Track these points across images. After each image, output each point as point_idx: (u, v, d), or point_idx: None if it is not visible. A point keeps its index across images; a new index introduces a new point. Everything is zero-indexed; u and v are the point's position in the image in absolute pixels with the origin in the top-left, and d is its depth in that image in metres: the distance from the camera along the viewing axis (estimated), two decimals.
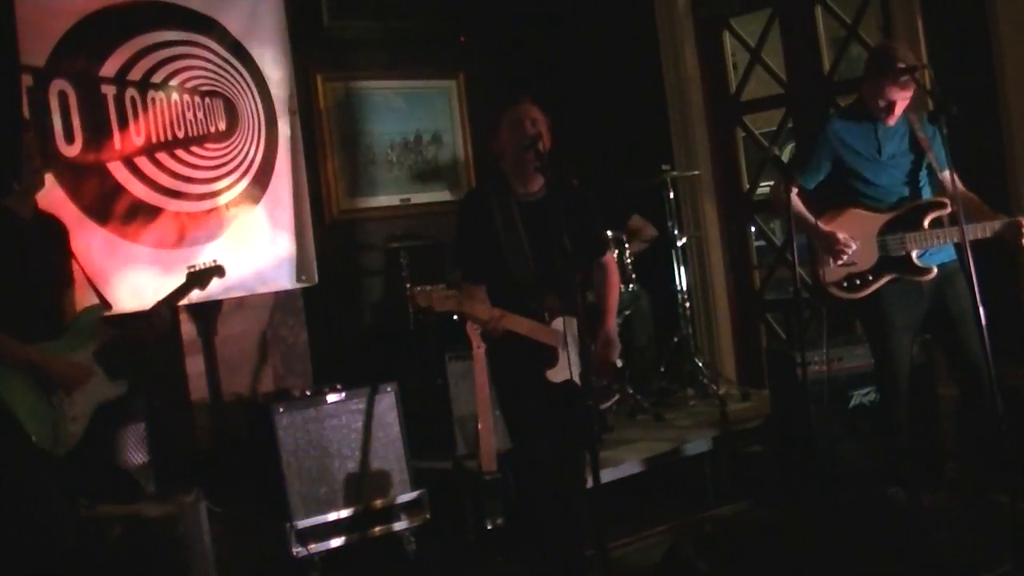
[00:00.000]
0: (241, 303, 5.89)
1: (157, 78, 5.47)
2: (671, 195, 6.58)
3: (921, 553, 3.85)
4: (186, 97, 5.59)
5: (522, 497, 4.81)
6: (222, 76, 5.75)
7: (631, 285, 6.22)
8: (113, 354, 4.11)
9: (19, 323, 3.87)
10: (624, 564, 4.84)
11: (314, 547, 5.00)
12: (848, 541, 3.79)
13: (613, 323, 4.44)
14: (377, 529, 5.24)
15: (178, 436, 5.54)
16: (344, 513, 5.15)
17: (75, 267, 4.24)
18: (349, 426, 5.25)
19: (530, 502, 4.38)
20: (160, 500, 4.53)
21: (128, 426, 4.84)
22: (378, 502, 5.25)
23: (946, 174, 4.49)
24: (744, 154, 7.15)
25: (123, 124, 5.32)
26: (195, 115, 5.63)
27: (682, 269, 6.66)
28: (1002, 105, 5.58)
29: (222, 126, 5.73)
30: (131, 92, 5.37)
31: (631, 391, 6.25)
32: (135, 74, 5.39)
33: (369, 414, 5.31)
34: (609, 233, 5.92)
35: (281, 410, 5.10)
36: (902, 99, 4.55)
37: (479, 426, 4.91)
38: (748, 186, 7.09)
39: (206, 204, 5.64)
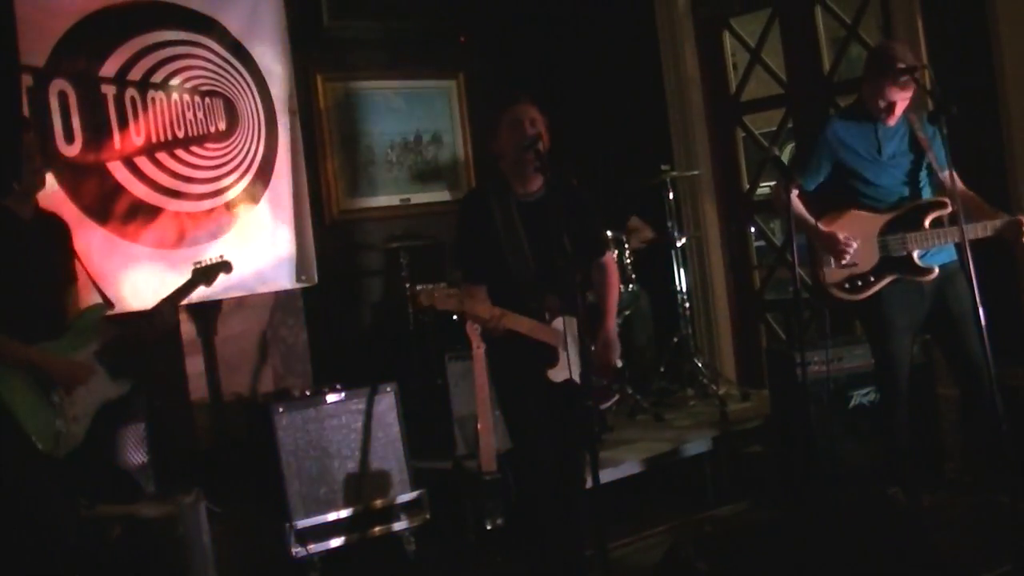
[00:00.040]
0: (241, 303, 5.89)
1: (157, 78, 5.48)
2: (671, 195, 6.58)
3: (921, 553, 3.84)
4: (186, 97, 5.59)
5: (522, 497, 4.81)
6: (222, 76, 5.75)
7: (631, 285, 6.22)
8: (115, 353, 4.10)
9: (19, 323, 3.86)
10: (624, 564, 4.83)
11: (314, 547, 5.00)
12: (848, 541, 3.78)
13: (613, 324, 4.44)
14: (377, 529, 5.24)
15: (178, 436, 5.54)
16: (344, 513, 5.15)
17: (78, 266, 4.24)
18: (349, 426, 5.25)
19: (530, 502, 4.38)
20: (160, 500, 4.53)
21: (128, 426, 4.84)
22: (378, 502, 5.25)
23: (946, 174, 4.48)
24: (744, 154, 7.15)
25: (123, 124, 5.33)
26: (195, 115, 5.63)
27: (682, 269, 6.66)
28: (1002, 105, 5.58)
29: (222, 126, 5.73)
30: (131, 92, 5.38)
31: (631, 391, 6.25)
32: (135, 74, 5.39)
33: (369, 414, 5.31)
34: (609, 233, 5.93)
35: (281, 410, 5.10)
36: (902, 99, 4.55)
37: (479, 426, 4.91)
38: (748, 186, 7.09)
39: (206, 204, 5.64)
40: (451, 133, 7.16)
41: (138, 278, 5.26)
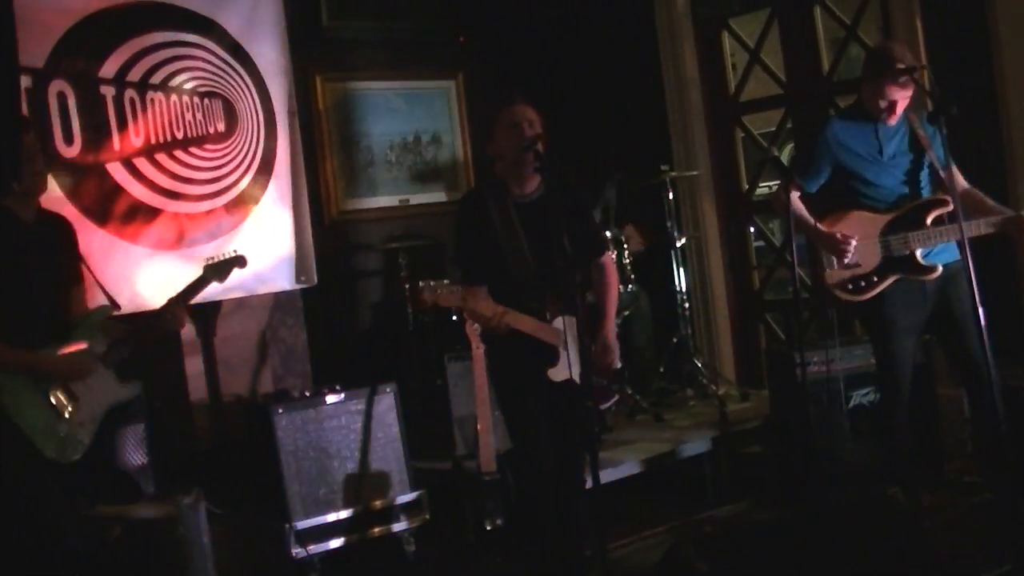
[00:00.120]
0: (240, 304, 5.89)
1: (156, 79, 5.47)
2: (670, 195, 6.58)
3: (921, 553, 3.85)
4: (185, 98, 5.59)
5: (521, 497, 4.81)
6: (221, 77, 5.75)
7: (630, 285, 6.22)
8: (122, 354, 4.06)
9: (22, 328, 3.81)
10: (624, 564, 4.83)
11: (313, 548, 5.00)
12: (848, 541, 3.79)
13: (612, 327, 4.43)
14: (376, 530, 5.24)
15: (177, 437, 5.54)
16: (343, 514, 5.14)
17: (84, 267, 4.20)
18: (348, 427, 5.25)
19: (530, 502, 4.38)
20: (159, 501, 4.52)
21: (128, 427, 4.83)
22: (377, 503, 5.25)
23: (949, 171, 4.48)
24: (743, 154, 7.15)
25: (122, 125, 5.32)
26: (194, 116, 5.62)
27: (681, 270, 6.66)
28: (1002, 105, 5.58)
29: (221, 127, 5.73)
30: (130, 93, 5.37)
31: (630, 391, 6.25)
32: (134, 75, 5.39)
33: (368, 415, 5.31)
34: (608, 234, 5.93)
35: (280, 411, 5.10)
36: (903, 99, 4.54)
37: (478, 426, 4.91)
38: (747, 186, 7.09)
39: (205, 205, 5.64)
40: (450, 133, 7.16)
41: (137, 279, 5.26)
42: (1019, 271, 5.59)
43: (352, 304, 6.71)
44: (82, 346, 3.95)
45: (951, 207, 4.51)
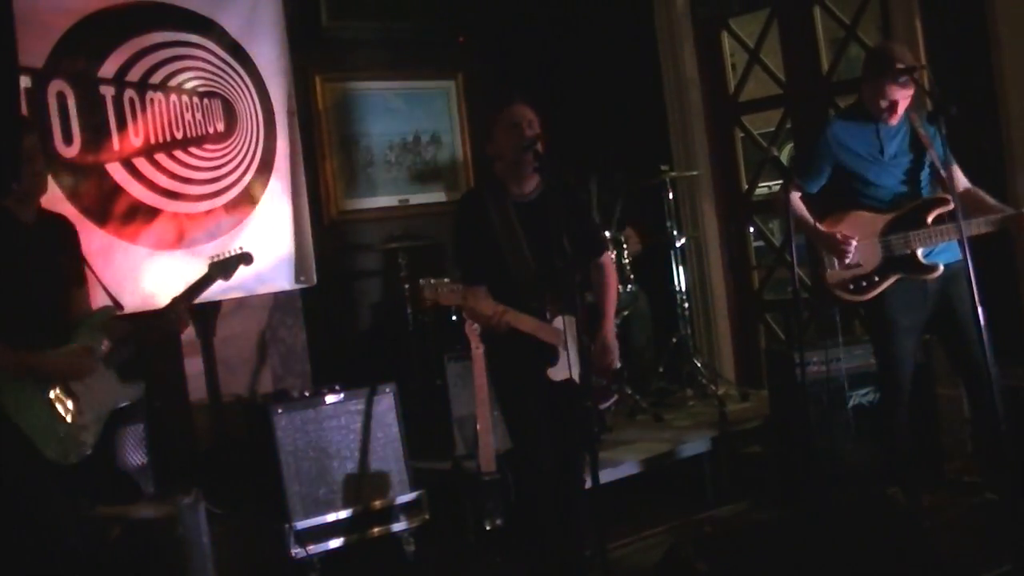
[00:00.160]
0: (240, 304, 5.89)
1: (156, 79, 5.47)
2: (670, 195, 6.58)
3: (921, 553, 3.84)
4: (184, 98, 5.58)
5: (521, 497, 4.81)
6: (221, 77, 5.75)
7: (630, 285, 6.22)
8: (125, 354, 4.04)
9: (24, 330, 3.78)
10: (623, 564, 4.83)
11: (313, 548, 4.99)
12: (848, 541, 3.79)
13: (611, 327, 4.42)
14: (376, 530, 5.24)
15: (177, 437, 5.54)
16: (343, 514, 5.14)
17: (87, 268, 4.18)
18: (348, 427, 5.25)
19: (529, 502, 4.38)
20: (159, 501, 4.52)
21: (127, 427, 4.83)
22: (377, 503, 5.25)
23: (949, 170, 4.48)
24: (743, 154, 7.15)
25: (122, 125, 5.32)
26: (194, 116, 5.62)
27: (681, 269, 6.66)
28: (1002, 105, 5.58)
29: (221, 127, 5.73)
30: (130, 93, 5.37)
31: (630, 391, 6.25)
32: (134, 75, 5.38)
33: (368, 415, 5.31)
34: (607, 234, 5.93)
35: (280, 411, 5.09)
36: (904, 98, 4.53)
37: (478, 426, 4.91)
38: (747, 186, 7.09)
39: (205, 205, 5.63)
40: (450, 133, 7.16)
41: (138, 279, 5.25)
42: (1019, 271, 5.59)
43: (352, 304, 6.71)
44: (83, 346, 3.93)
45: (951, 206, 4.50)
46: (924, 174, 4.68)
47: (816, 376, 5.21)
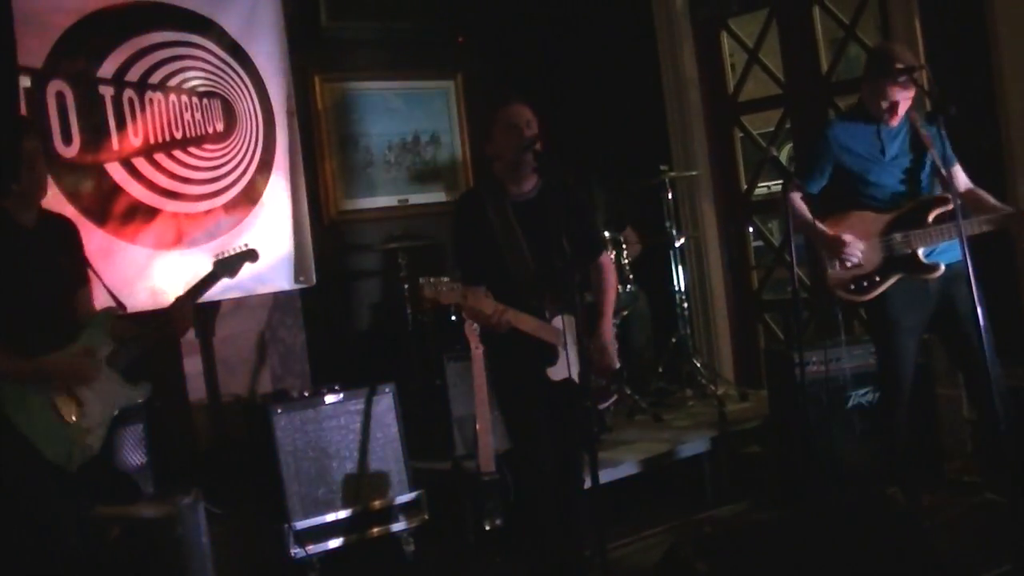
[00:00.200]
0: (239, 304, 5.89)
1: (155, 79, 5.47)
2: (669, 195, 6.58)
3: (921, 553, 3.84)
4: (184, 98, 5.58)
5: (521, 497, 4.81)
6: (220, 77, 5.75)
7: (629, 286, 6.22)
8: (129, 355, 4.03)
9: (25, 334, 3.77)
10: (623, 564, 4.83)
11: (312, 548, 4.99)
12: (848, 541, 3.78)
13: (609, 327, 4.42)
14: (375, 530, 5.24)
15: (176, 437, 5.53)
16: (342, 514, 5.14)
17: (90, 269, 4.16)
18: (347, 427, 5.25)
19: (529, 502, 4.38)
20: (158, 501, 4.52)
21: (127, 427, 4.83)
22: (376, 503, 5.25)
23: (950, 170, 4.47)
24: (742, 154, 7.15)
25: (121, 125, 5.32)
26: (193, 116, 5.62)
27: (680, 270, 6.66)
28: (1001, 105, 5.58)
29: (220, 127, 5.73)
30: (129, 93, 5.37)
31: (629, 391, 6.25)
32: (133, 75, 5.38)
33: (367, 415, 5.31)
34: (607, 234, 5.93)
35: (279, 411, 5.09)
36: (904, 98, 4.53)
37: (477, 427, 4.90)
38: (746, 186, 7.09)
39: (204, 205, 5.64)
40: (449, 134, 7.16)
41: (138, 279, 5.25)
42: (1019, 271, 5.59)
43: (351, 304, 6.71)
44: (84, 348, 3.92)
45: (952, 206, 4.50)
46: (925, 174, 4.67)
47: (815, 376, 5.21)
